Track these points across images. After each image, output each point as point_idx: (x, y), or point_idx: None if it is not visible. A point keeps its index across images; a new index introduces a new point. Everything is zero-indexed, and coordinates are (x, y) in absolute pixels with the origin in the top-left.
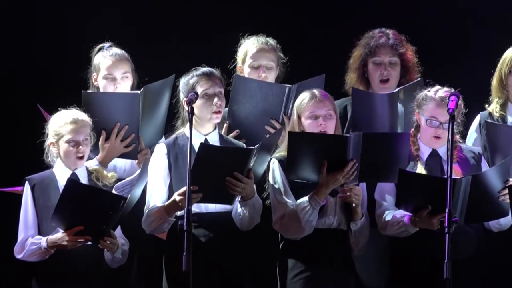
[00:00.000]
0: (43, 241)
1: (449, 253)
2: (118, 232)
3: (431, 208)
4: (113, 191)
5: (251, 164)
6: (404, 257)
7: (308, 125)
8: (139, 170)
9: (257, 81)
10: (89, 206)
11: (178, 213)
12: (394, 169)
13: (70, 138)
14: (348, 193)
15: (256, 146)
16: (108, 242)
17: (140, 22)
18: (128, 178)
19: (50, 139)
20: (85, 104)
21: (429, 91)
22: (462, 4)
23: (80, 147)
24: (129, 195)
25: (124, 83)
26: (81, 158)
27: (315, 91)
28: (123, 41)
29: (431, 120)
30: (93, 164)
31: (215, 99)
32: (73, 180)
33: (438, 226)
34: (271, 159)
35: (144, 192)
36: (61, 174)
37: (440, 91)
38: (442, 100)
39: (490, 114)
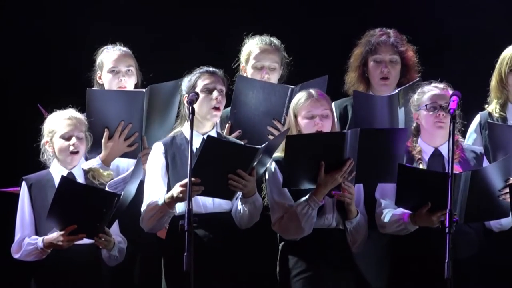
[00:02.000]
0: (39, 241)
1: (449, 252)
2: (115, 230)
3: (430, 205)
4: (106, 189)
5: (255, 163)
6: (405, 256)
7: (305, 125)
8: (132, 167)
9: (260, 82)
10: (83, 204)
11: (178, 212)
12: (391, 167)
13: (64, 133)
14: (340, 191)
15: (262, 145)
16: (103, 239)
17: (142, 24)
18: (121, 176)
19: (45, 137)
20: (89, 101)
21: (421, 88)
22: (462, 4)
23: (74, 141)
24: (122, 192)
25: (128, 78)
26: (76, 153)
27: (312, 90)
28: (126, 42)
29: (430, 105)
30: (95, 163)
31: (215, 93)
32: (66, 178)
33: (437, 224)
34: None
35: (140, 191)
36: (57, 173)
37: (433, 83)
38: (436, 87)
39: (490, 114)
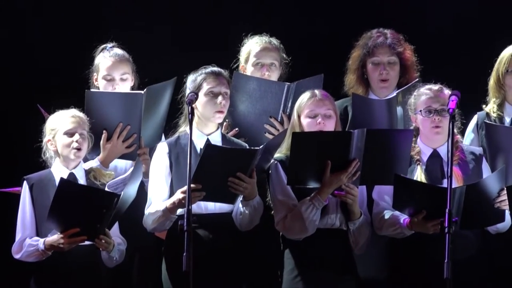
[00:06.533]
0: (40, 243)
1: (449, 253)
2: (115, 231)
3: (426, 213)
4: (106, 189)
5: (255, 164)
6: (404, 257)
7: (307, 124)
8: (131, 169)
9: (256, 79)
10: (83, 205)
11: (178, 212)
12: (395, 170)
13: (67, 130)
14: (343, 192)
15: (260, 147)
16: (103, 241)
17: (143, 23)
18: (120, 176)
19: (47, 136)
20: (88, 103)
21: (417, 90)
22: (459, 4)
23: (78, 137)
24: (122, 193)
25: (122, 84)
26: (79, 150)
27: (316, 90)
28: (126, 41)
29: (426, 110)
30: (94, 164)
31: (220, 98)
32: (65, 180)
33: (433, 231)
34: None
35: (141, 191)
36: (59, 173)
37: (427, 85)
38: (430, 89)
39: (487, 114)
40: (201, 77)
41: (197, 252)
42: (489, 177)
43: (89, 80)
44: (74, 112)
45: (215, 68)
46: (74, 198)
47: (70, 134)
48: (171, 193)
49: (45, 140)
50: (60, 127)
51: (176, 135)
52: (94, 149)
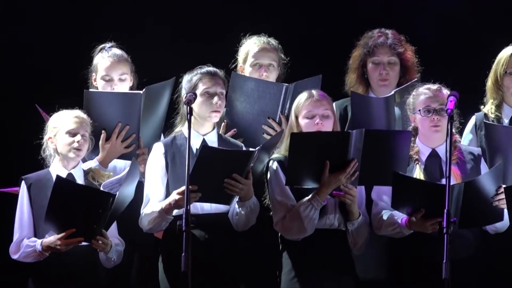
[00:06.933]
0: (38, 244)
1: (447, 253)
2: (113, 232)
3: (425, 212)
4: (101, 189)
5: (251, 165)
6: (403, 257)
7: (305, 125)
8: (127, 169)
9: (255, 79)
10: (79, 205)
11: (175, 212)
12: (394, 170)
13: (70, 130)
14: (342, 192)
15: (257, 148)
16: (100, 242)
17: (142, 22)
18: (116, 176)
19: (48, 133)
20: (87, 102)
21: (415, 90)
22: (458, 4)
23: (79, 138)
24: (117, 193)
25: (121, 85)
26: (79, 150)
27: (313, 91)
28: (125, 41)
29: (424, 110)
30: (93, 164)
31: (215, 98)
32: (61, 178)
33: (431, 230)
34: (270, 160)
35: (139, 192)
36: (57, 173)
37: (425, 85)
38: (429, 89)
39: (485, 115)
40: (197, 77)
41: (194, 252)
42: (486, 173)
43: (88, 80)
44: (78, 112)
45: (211, 68)
46: (70, 197)
47: (72, 134)
48: (167, 194)
49: (46, 137)
50: (63, 126)
51: (172, 135)
52: (93, 150)
